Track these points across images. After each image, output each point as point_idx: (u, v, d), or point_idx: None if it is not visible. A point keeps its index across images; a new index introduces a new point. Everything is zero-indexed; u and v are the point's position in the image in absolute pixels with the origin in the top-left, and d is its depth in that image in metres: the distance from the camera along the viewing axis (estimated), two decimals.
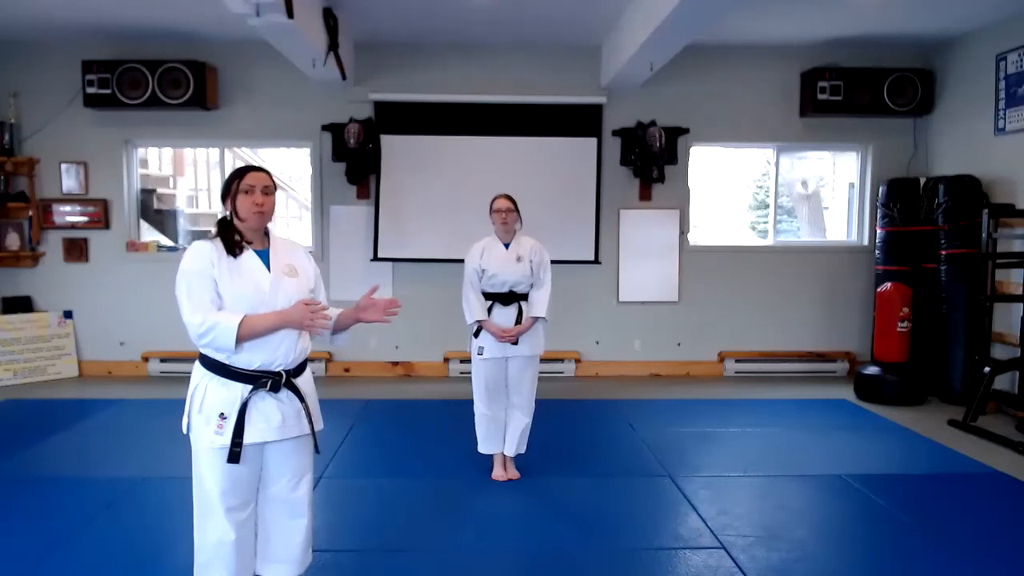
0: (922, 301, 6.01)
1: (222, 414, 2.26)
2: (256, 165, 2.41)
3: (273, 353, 2.31)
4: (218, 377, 2.29)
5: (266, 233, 2.42)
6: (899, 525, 3.52)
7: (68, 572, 3.01)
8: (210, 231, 2.39)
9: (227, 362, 2.28)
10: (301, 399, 2.39)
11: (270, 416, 2.32)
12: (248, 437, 2.28)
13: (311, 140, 6.61)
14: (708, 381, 6.68)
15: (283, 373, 2.34)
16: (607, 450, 4.61)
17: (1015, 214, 5.41)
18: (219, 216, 2.42)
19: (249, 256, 2.34)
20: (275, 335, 2.31)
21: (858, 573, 3.06)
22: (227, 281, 2.27)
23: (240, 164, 2.65)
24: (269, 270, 2.35)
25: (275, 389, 2.32)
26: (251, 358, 2.29)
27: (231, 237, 2.33)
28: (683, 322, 6.86)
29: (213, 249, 2.29)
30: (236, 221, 2.35)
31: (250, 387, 2.28)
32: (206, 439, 2.27)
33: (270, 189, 2.36)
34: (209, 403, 2.28)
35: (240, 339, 2.21)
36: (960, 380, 5.76)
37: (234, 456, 2.25)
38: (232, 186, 2.34)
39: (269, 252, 2.38)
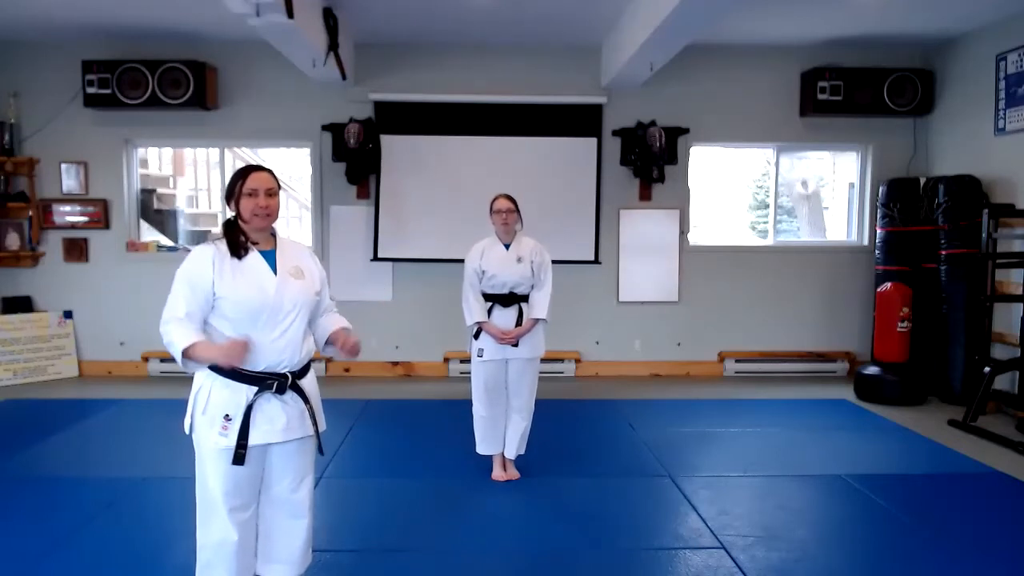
0: (922, 301, 6.01)
1: (227, 416, 2.25)
2: (260, 165, 2.38)
3: (279, 355, 2.30)
4: (222, 378, 2.27)
5: (272, 234, 2.40)
6: (899, 525, 3.52)
7: (68, 572, 3.01)
8: (210, 231, 2.37)
9: None
10: (305, 400, 2.38)
11: (275, 418, 2.31)
12: (253, 439, 2.27)
13: (311, 140, 6.61)
14: (708, 381, 6.68)
15: (288, 375, 2.33)
16: (607, 450, 4.61)
17: (1015, 214, 5.41)
18: (225, 217, 2.41)
19: (254, 258, 2.32)
20: (280, 337, 2.30)
21: (858, 573, 3.06)
22: (230, 283, 2.25)
23: (240, 164, 2.65)
24: (275, 272, 2.33)
25: (280, 391, 2.31)
26: (256, 360, 2.27)
27: (236, 239, 2.30)
28: (683, 322, 6.86)
29: (215, 252, 2.27)
30: (240, 222, 2.33)
31: (255, 389, 2.27)
32: (210, 441, 2.26)
33: (274, 191, 2.33)
34: (214, 405, 2.27)
35: (187, 359, 2.20)
36: (960, 380, 5.76)
37: (239, 458, 2.24)
38: (235, 187, 2.31)
39: (275, 253, 2.36)
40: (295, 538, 2.47)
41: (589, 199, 6.60)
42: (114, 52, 6.28)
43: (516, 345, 3.93)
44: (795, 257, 6.92)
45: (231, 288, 2.24)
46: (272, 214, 2.33)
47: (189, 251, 2.36)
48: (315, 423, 2.41)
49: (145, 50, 6.27)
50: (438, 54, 6.54)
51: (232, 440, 2.24)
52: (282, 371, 2.31)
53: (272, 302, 2.28)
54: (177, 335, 2.20)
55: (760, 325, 6.89)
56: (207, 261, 2.25)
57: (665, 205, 6.75)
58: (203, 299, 2.24)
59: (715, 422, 5.23)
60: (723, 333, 6.89)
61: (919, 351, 6.01)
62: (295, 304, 2.33)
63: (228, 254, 2.28)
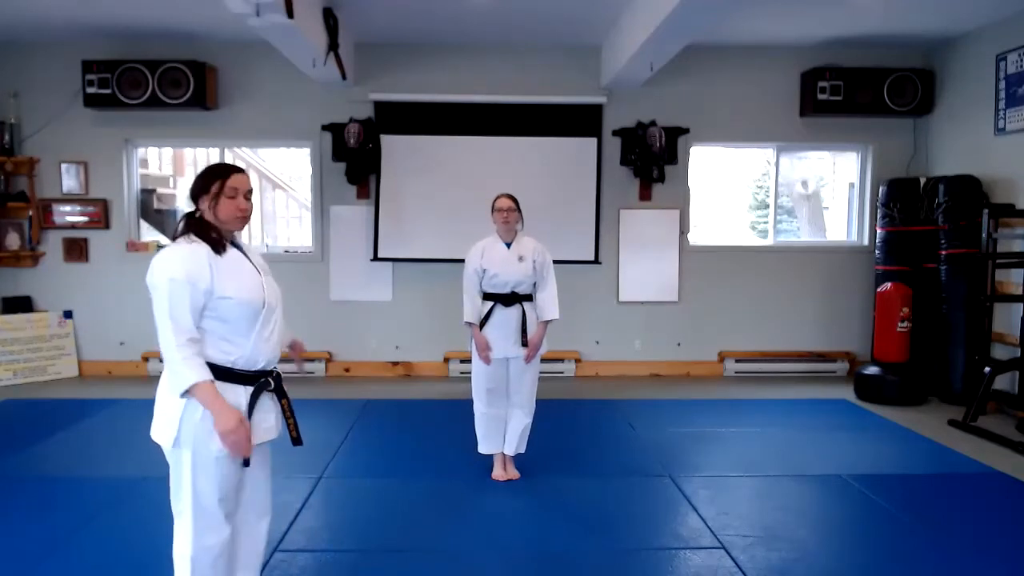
0: (922, 301, 6.01)
1: None
2: (238, 166, 2.32)
3: (271, 353, 2.27)
4: (219, 382, 2.15)
5: None
6: (899, 525, 3.52)
7: (68, 572, 3.00)
8: (180, 231, 2.20)
9: (231, 366, 2.19)
10: (282, 396, 2.34)
11: (266, 417, 2.29)
12: (255, 439, 2.22)
13: (311, 140, 6.61)
14: (708, 381, 6.68)
15: (279, 373, 2.32)
16: (607, 450, 4.61)
17: (1015, 214, 5.41)
18: (188, 213, 2.24)
19: (236, 254, 2.24)
20: (271, 334, 2.26)
21: (858, 573, 3.05)
22: (230, 282, 2.16)
23: (241, 164, 2.62)
24: (256, 268, 2.29)
25: (278, 389, 2.29)
26: (256, 358, 2.23)
27: (218, 235, 2.20)
28: (683, 322, 6.86)
29: (207, 252, 2.15)
30: (213, 220, 2.22)
31: (250, 388, 2.23)
32: (212, 448, 2.15)
33: (250, 193, 2.27)
34: None
35: (186, 393, 2.10)
36: (960, 380, 5.76)
37: (247, 460, 2.19)
38: (212, 187, 2.21)
39: (243, 250, 2.30)
40: (260, 539, 2.41)
41: (589, 199, 6.60)
42: (114, 52, 6.28)
43: (525, 344, 3.92)
44: (795, 257, 6.92)
45: (235, 287, 2.16)
46: (249, 217, 2.28)
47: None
48: (294, 420, 2.35)
49: (145, 50, 6.27)
50: (438, 54, 6.54)
51: None
52: (273, 368, 2.29)
53: (267, 299, 2.25)
54: (191, 367, 2.07)
55: (760, 325, 6.89)
56: (203, 260, 2.13)
57: (665, 205, 6.75)
58: (200, 306, 2.12)
59: (715, 422, 5.23)
60: (723, 333, 6.89)
61: (919, 351, 6.01)
62: (278, 299, 2.30)
63: (213, 253, 2.17)
